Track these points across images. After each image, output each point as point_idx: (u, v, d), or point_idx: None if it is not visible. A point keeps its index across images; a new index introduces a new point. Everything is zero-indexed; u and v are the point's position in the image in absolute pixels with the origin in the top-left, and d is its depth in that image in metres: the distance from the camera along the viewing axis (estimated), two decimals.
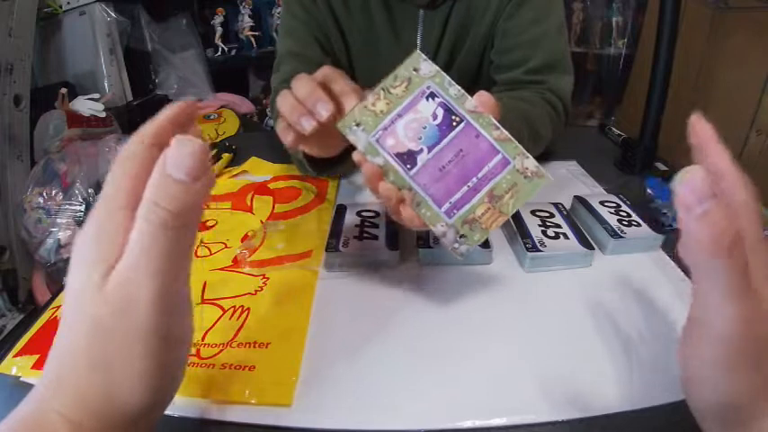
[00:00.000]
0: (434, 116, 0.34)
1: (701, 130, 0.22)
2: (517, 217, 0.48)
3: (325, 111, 0.34)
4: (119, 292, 0.21)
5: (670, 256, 0.45)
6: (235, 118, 1.59)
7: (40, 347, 0.36)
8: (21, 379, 0.34)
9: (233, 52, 1.78)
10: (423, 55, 0.35)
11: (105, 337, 0.21)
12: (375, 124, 0.34)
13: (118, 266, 0.21)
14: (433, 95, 0.34)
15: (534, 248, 0.43)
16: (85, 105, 1.28)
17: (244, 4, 1.72)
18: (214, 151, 0.68)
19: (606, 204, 0.51)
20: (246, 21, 1.73)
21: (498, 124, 0.33)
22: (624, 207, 0.50)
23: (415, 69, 0.35)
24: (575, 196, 0.53)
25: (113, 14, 1.48)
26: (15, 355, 0.35)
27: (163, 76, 1.68)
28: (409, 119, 0.34)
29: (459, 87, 0.34)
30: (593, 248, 0.44)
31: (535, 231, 0.46)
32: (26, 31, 1.17)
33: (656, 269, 0.43)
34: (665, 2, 0.58)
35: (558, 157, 0.67)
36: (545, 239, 0.44)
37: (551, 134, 0.62)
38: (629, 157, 0.66)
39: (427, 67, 0.35)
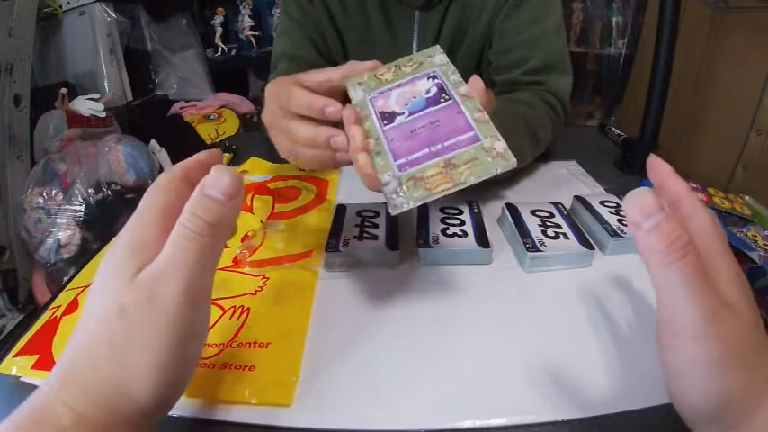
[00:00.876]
0: (427, 91, 0.37)
1: (659, 167, 0.25)
2: (517, 217, 0.48)
3: (333, 109, 0.36)
4: (149, 283, 0.23)
5: None
6: (235, 118, 1.59)
7: (40, 347, 0.36)
8: (21, 379, 0.34)
9: (233, 52, 1.78)
10: (440, 48, 0.40)
11: (127, 326, 0.23)
12: (375, 87, 0.38)
13: (152, 263, 0.23)
14: (434, 77, 0.38)
15: (534, 248, 0.43)
16: (85, 105, 1.29)
17: (244, 4, 1.72)
18: None
19: (606, 204, 0.51)
20: (246, 21, 1.74)
21: (482, 109, 0.35)
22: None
23: (429, 57, 0.40)
24: (575, 196, 0.53)
25: (113, 14, 1.48)
26: (15, 355, 0.35)
27: (163, 76, 1.68)
28: (405, 90, 0.38)
29: (461, 77, 0.37)
30: (593, 248, 0.44)
31: (535, 231, 0.46)
32: (26, 31, 1.17)
33: None
34: (665, 2, 0.58)
35: (558, 157, 0.67)
36: (545, 239, 0.44)
37: (551, 135, 0.62)
38: (629, 157, 0.67)
39: (441, 58, 0.39)
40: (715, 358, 0.21)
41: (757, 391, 0.22)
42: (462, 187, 0.31)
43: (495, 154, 0.32)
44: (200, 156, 0.29)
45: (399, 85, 0.38)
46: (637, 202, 0.23)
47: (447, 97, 0.36)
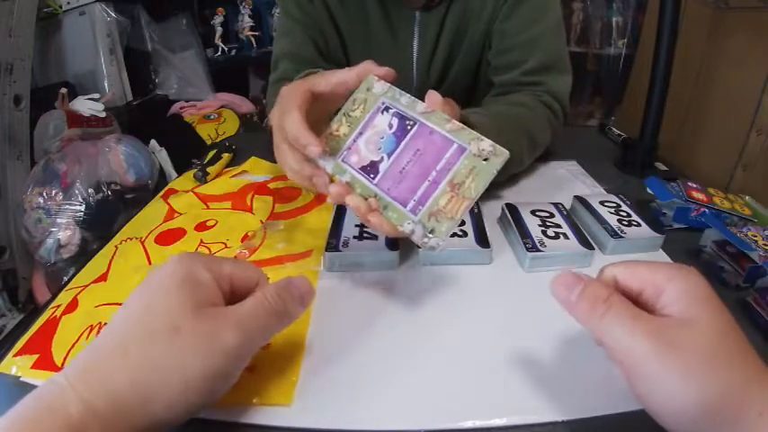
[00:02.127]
0: (390, 126, 0.36)
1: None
2: (517, 217, 0.48)
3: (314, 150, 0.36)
4: (216, 323, 0.26)
5: (670, 257, 0.45)
6: (235, 118, 1.59)
7: (40, 347, 0.36)
8: (20, 379, 0.34)
9: (233, 52, 1.78)
10: (375, 77, 0.38)
11: (177, 345, 0.24)
12: (340, 147, 0.37)
13: (221, 309, 0.27)
14: (387, 108, 0.37)
15: (534, 248, 0.43)
16: (85, 105, 1.28)
17: (244, 4, 1.72)
18: (214, 151, 0.68)
19: (606, 204, 0.51)
20: (246, 21, 1.73)
21: (449, 117, 0.35)
22: (624, 207, 0.50)
23: (369, 90, 0.38)
24: (575, 196, 0.53)
25: (113, 14, 1.48)
26: (15, 355, 0.35)
27: (163, 76, 1.68)
28: (369, 134, 0.37)
29: (410, 96, 0.37)
30: (593, 248, 0.44)
31: (535, 231, 0.45)
32: (26, 31, 1.17)
33: None
34: (665, 2, 0.58)
35: (558, 157, 0.67)
36: (545, 239, 0.44)
37: (550, 138, 0.62)
38: (629, 157, 0.67)
39: (380, 86, 0.38)
40: (679, 372, 0.22)
41: (738, 390, 0.22)
42: (477, 199, 0.32)
43: (487, 154, 0.32)
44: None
45: (360, 133, 0.37)
46: (560, 282, 0.28)
47: (411, 122, 0.36)
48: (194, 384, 0.25)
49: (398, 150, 0.35)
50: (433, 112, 0.35)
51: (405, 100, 0.37)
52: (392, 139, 0.36)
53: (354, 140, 0.37)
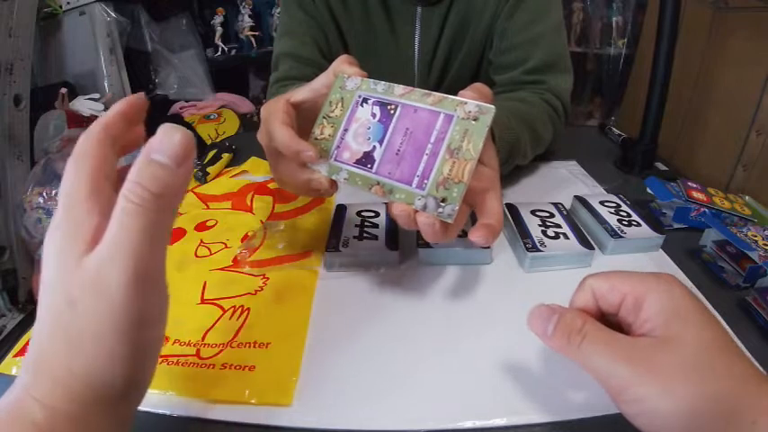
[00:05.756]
0: (373, 115, 0.36)
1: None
2: (517, 217, 0.48)
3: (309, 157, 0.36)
4: (93, 271, 0.21)
5: (670, 257, 0.45)
6: (235, 118, 1.59)
7: None
8: None
9: (233, 52, 1.77)
10: (344, 76, 0.38)
11: (78, 317, 0.21)
12: (328, 148, 0.37)
13: (96, 248, 0.21)
14: (366, 100, 0.37)
15: (534, 248, 0.43)
16: (85, 105, 1.28)
17: (244, 4, 1.71)
18: (214, 151, 0.68)
19: (606, 204, 0.51)
20: (246, 21, 1.73)
21: (429, 92, 0.35)
22: (624, 207, 0.50)
23: (342, 88, 0.38)
24: (575, 196, 0.53)
25: (113, 14, 1.48)
26: (15, 355, 0.35)
27: (163, 76, 1.68)
28: (355, 128, 0.37)
29: (385, 82, 0.37)
30: (593, 248, 0.44)
31: (535, 231, 0.46)
32: (26, 31, 1.17)
33: (655, 269, 0.43)
34: (665, 2, 0.58)
35: (558, 157, 0.67)
36: (545, 239, 0.44)
37: (552, 135, 0.62)
38: (629, 157, 0.67)
39: (352, 82, 0.38)
40: (660, 391, 0.22)
41: (727, 399, 0.22)
42: (478, 158, 0.32)
43: (474, 114, 0.32)
44: (121, 105, 0.25)
45: (345, 130, 0.37)
46: (535, 315, 0.28)
47: (393, 106, 0.36)
48: (119, 345, 0.21)
49: (388, 135, 0.35)
50: (411, 91, 0.35)
51: (381, 87, 0.37)
52: (379, 127, 0.36)
53: (342, 138, 0.37)
